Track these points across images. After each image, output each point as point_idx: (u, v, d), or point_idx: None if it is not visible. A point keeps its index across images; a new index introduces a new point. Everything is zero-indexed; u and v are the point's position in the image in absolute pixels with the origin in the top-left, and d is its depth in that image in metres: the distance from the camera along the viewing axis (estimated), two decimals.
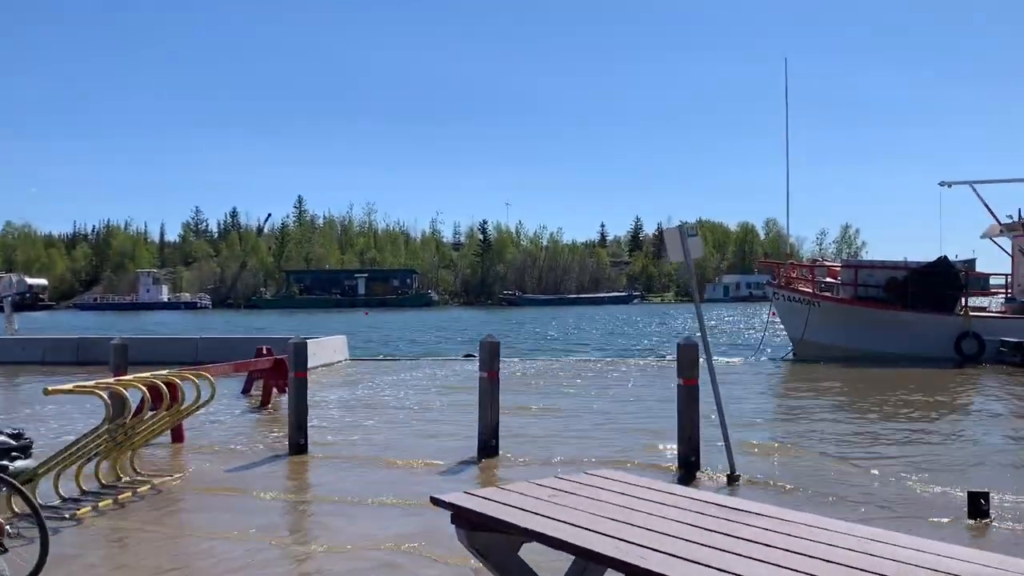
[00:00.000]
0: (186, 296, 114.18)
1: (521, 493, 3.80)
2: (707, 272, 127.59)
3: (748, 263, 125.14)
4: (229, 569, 5.96)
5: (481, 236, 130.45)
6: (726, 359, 23.31)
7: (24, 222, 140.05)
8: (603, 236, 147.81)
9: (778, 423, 12.97)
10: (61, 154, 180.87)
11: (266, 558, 6.22)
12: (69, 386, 7.72)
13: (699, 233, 8.69)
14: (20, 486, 5.55)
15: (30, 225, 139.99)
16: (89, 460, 8.22)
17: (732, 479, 8.50)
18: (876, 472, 9.02)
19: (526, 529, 3.22)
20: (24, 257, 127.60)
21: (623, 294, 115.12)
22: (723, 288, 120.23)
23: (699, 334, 9.02)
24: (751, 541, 3.04)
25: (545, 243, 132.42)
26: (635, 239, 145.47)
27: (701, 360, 8.85)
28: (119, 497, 8.02)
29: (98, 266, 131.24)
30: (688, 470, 8.82)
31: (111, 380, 8.22)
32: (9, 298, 29.86)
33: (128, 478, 8.75)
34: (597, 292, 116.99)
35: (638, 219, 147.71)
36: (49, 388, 7.40)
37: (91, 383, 7.97)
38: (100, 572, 5.97)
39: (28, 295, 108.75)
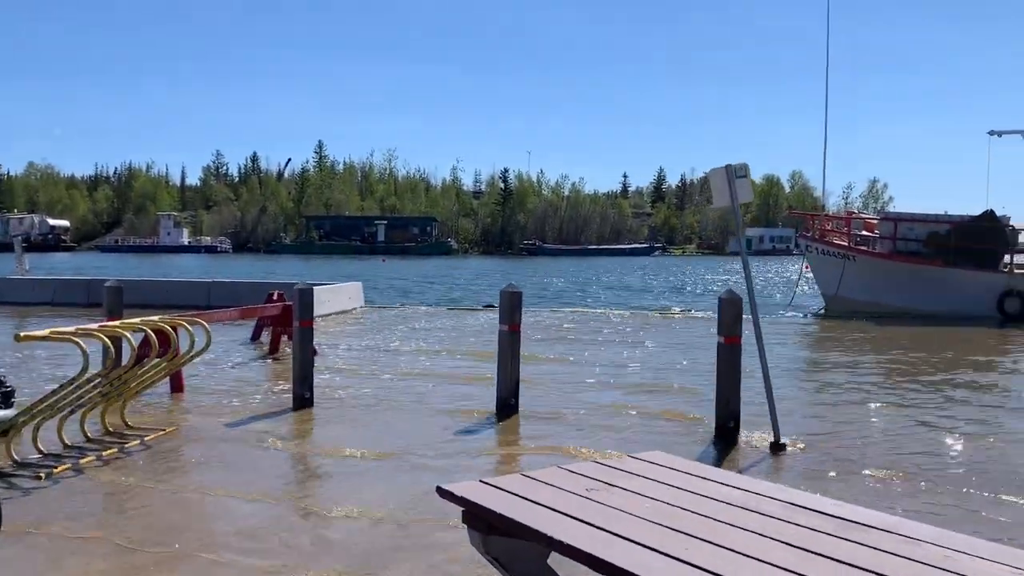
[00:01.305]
0: (207, 240, 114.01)
1: (552, 485, 2.98)
2: (730, 223, 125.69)
3: (772, 216, 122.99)
4: (225, 534, 5.25)
5: (502, 185, 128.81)
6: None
7: (47, 163, 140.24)
8: (625, 187, 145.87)
9: (812, 383, 12.08)
10: (84, 96, 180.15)
11: (267, 520, 5.51)
12: (45, 331, 6.97)
13: (748, 175, 7.69)
14: None
15: (52, 166, 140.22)
16: (75, 411, 7.53)
17: (777, 447, 7.68)
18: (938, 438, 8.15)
19: (563, 544, 2.41)
20: (47, 198, 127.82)
21: (644, 246, 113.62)
22: (746, 241, 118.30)
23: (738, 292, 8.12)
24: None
25: (566, 193, 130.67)
26: (657, 190, 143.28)
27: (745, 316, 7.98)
28: (104, 454, 7.34)
29: (120, 208, 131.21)
30: (726, 437, 8.01)
31: (92, 326, 7.46)
32: (20, 238, 29.24)
33: (115, 432, 8.07)
34: (618, 243, 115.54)
35: (661, 170, 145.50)
36: (21, 334, 6.65)
37: (71, 328, 7.22)
38: (65, 541, 5.26)
39: (51, 236, 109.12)
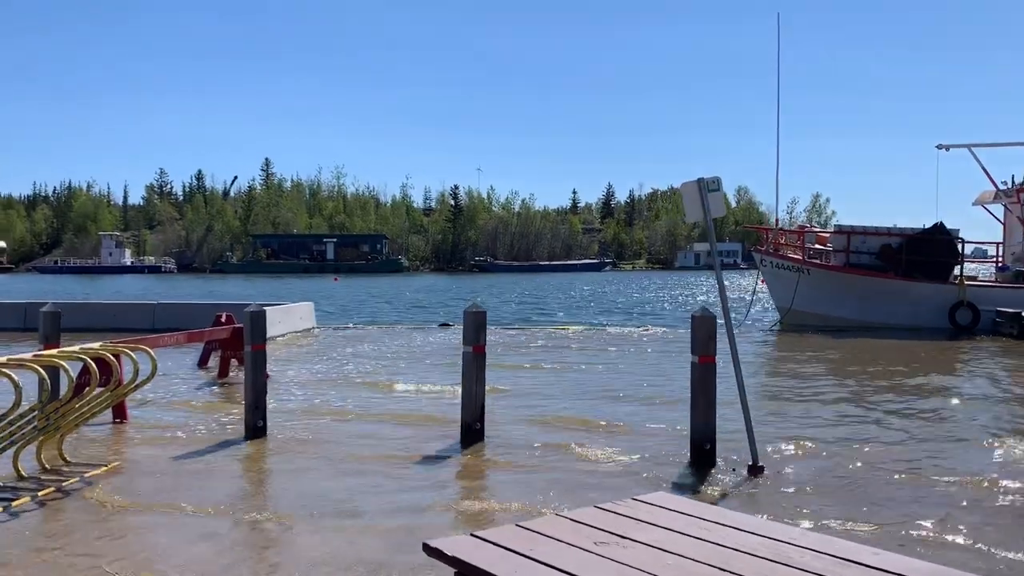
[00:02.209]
0: (150, 260, 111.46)
1: (555, 538, 2.63)
2: (678, 240, 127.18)
3: (720, 230, 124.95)
4: None
5: (452, 201, 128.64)
6: None
7: None
8: (575, 203, 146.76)
9: (778, 402, 11.93)
10: (20, 115, 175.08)
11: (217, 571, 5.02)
12: None
13: (720, 188, 7.47)
14: None
15: None
16: (7, 448, 6.93)
17: (755, 470, 7.42)
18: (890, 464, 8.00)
19: None
20: None
21: (595, 261, 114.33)
22: (694, 256, 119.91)
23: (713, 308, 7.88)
24: None
25: (517, 209, 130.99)
26: (607, 206, 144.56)
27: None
28: (40, 494, 6.75)
29: (59, 228, 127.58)
30: (702, 460, 7.73)
31: (26, 356, 6.89)
32: None
33: (53, 469, 7.48)
34: (569, 259, 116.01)
35: (610, 186, 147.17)
36: None
37: (2, 359, 6.64)
38: None
39: None
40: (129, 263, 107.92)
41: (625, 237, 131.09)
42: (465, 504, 6.72)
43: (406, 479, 7.39)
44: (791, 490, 7.00)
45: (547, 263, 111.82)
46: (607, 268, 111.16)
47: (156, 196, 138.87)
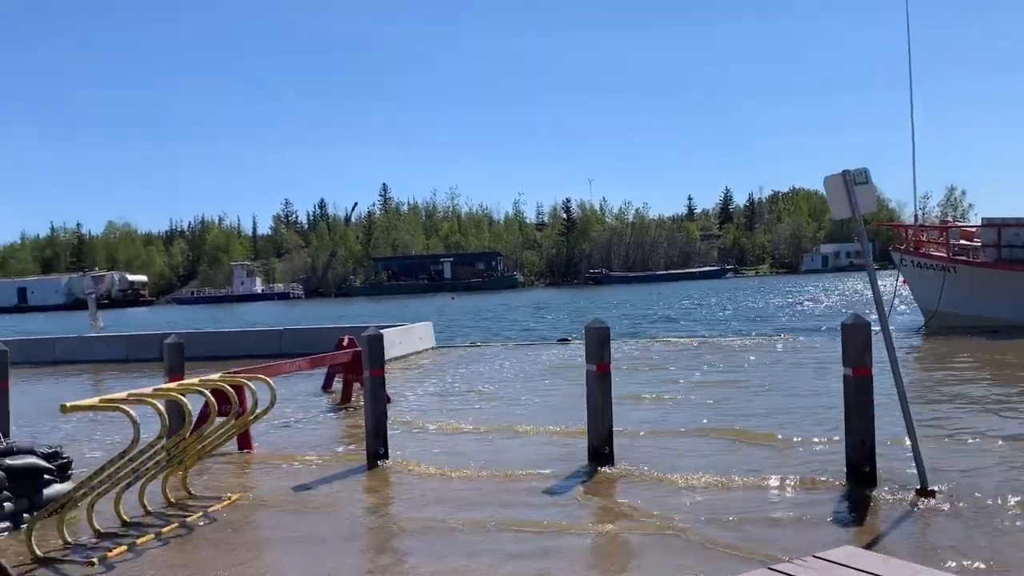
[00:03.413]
0: (279, 287, 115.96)
1: None
2: (803, 242, 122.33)
3: (846, 230, 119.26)
4: None
5: (564, 215, 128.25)
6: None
7: (124, 222, 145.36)
8: (691, 209, 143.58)
9: (937, 413, 10.76)
10: (156, 156, 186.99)
11: None
12: (93, 400, 6.35)
13: (869, 180, 6.68)
14: None
15: (130, 224, 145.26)
16: (132, 483, 6.88)
17: (924, 493, 6.54)
18: None
19: None
20: (125, 255, 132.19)
21: (715, 268, 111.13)
22: (821, 258, 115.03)
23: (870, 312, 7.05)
24: None
25: (631, 219, 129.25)
26: (725, 210, 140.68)
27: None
28: (164, 531, 6.65)
29: (194, 261, 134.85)
30: (861, 483, 6.90)
31: (146, 391, 6.83)
32: (93, 295, 29.65)
33: (178, 503, 7.42)
34: (687, 267, 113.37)
35: (727, 190, 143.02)
36: (68, 405, 6.04)
37: (123, 395, 6.59)
38: None
39: (130, 291, 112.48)
40: (260, 291, 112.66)
41: (746, 242, 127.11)
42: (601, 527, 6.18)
43: (534, 509, 6.90)
44: (970, 521, 6.09)
45: (664, 272, 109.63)
46: (729, 275, 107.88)
47: (283, 226, 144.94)
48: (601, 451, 8.24)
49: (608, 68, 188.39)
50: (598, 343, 8.28)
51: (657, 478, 7.68)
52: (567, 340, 23.52)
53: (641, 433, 9.74)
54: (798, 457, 8.32)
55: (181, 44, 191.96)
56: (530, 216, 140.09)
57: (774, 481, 7.37)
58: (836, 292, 50.02)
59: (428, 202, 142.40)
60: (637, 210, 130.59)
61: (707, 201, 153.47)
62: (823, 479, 7.32)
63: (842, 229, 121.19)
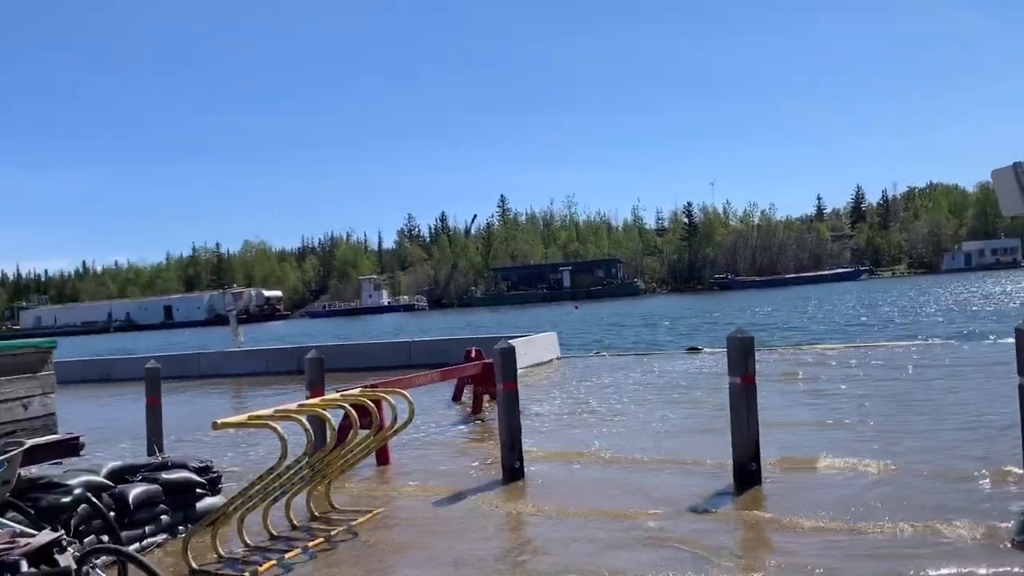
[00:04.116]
0: (404, 299, 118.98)
1: None
2: (943, 240, 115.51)
3: (992, 227, 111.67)
4: None
5: (686, 219, 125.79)
6: (1002, 339, 19.15)
7: (259, 240, 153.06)
8: (820, 209, 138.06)
9: None
10: (288, 178, 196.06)
11: None
12: (242, 417, 6.52)
13: None
14: (132, 552, 4.21)
15: (265, 242, 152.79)
16: (278, 498, 7.02)
17: None
18: None
19: None
20: (261, 272, 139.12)
21: (849, 270, 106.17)
22: (964, 257, 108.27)
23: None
24: None
25: (756, 221, 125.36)
26: (856, 209, 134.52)
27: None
28: (310, 545, 6.75)
29: (325, 276, 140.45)
30: None
31: (291, 407, 6.96)
32: (234, 312, 31.16)
33: (322, 517, 7.53)
34: (819, 270, 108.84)
35: (859, 188, 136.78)
36: (219, 422, 6.21)
37: (269, 411, 6.74)
38: None
39: (266, 306, 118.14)
40: (386, 303, 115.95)
41: (881, 241, 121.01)
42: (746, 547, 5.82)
43: (674, 533, 6.60)
44: None
45: (794, 276, 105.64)
46: (863, 276, 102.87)
47: (406, 240, 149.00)
48: (748, 468, 7.83)
49: (726, 68, 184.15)
50: (742, 353, 7.88)
51: (802, 498, 7.21)
52: (697, 349, 22.87)
53: (773, 461, 9.23)
54: (968, 474, 7.65)
55: (307, 70, 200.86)
56: (650, 222, 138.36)
57: (942, 516, 6.75)
58: (983, 293, 46.79)
59: (546, 211, 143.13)
60: (763, 212, 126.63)
61: (837, 200, 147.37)
62: (998, 505, 6.67)
63: (986, 225, 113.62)
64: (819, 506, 6.92)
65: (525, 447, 9.10)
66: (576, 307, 68.65)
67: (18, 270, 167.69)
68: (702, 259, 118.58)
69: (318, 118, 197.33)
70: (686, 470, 8.65)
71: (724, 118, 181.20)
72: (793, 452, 8.99)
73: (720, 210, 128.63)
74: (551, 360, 22.16)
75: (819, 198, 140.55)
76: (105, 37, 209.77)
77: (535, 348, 21.61)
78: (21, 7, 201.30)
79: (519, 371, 16.29)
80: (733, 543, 6.27)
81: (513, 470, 8.71)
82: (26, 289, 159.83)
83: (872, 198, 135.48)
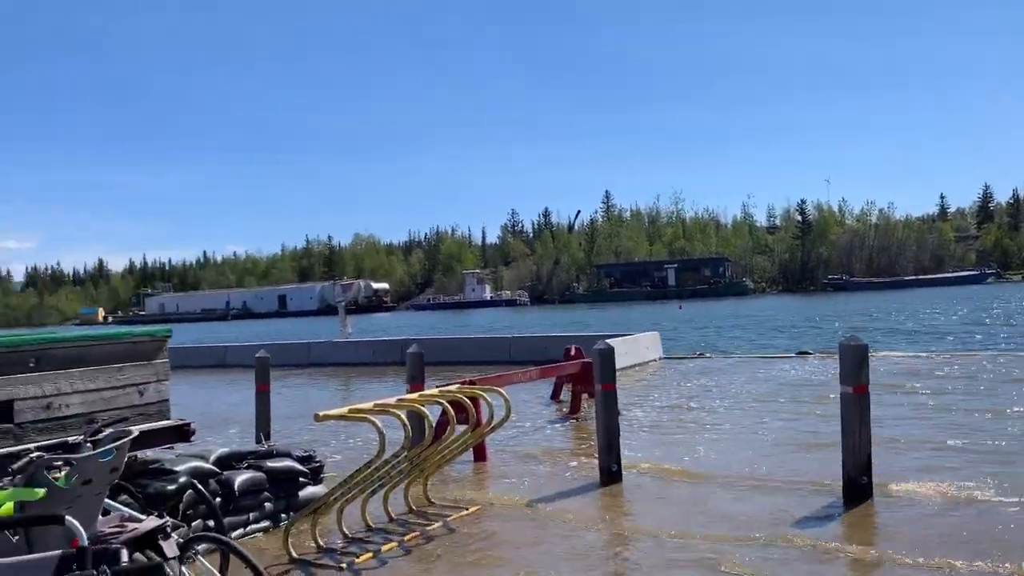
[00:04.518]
0: (506, 294, 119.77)
1: None
2: None
3: None
4: None
5: (799, 217, 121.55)
6: None
7: (369, 234, 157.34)
8: (943, 208, 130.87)
9: None
10: (401, 174, 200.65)
11: None
12: (343, 410, 6.63)
13: None
14: (234, 543, 4.30)
15: (374, 236, 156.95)
16: (376, 491, 7.12)
17: None
18: None
19: None
20: (370, 265, 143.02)
21: (974, 272, 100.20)
22: None
23: None
24: None
25: (874, 220, 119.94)
26: (984, 209, 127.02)
27: None
28: (406, 539, 6.81)
29: (430, 269, 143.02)
30: None
31: (390, 401, 7.04)
32: (343, 303, 32.02)
33: (418, 511, 7.59)
34: (940, 272, 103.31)
35: (986, 187, 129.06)
36: (320, 414, 6.34)
37: (368, 405, 6.83)
38: None
39: (374, 298, 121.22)
40: (489, 297, 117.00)
41: (1010, 243, 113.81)
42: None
43: (781, 548, 6.31)
44: None
45: (913, 278, 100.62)
46: (990, 279, 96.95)
47: (509, 235, 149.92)
48: (858, 481, 7.44)
49: (841, 61, 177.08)
50: (855, 362, 7.49)
51: (916, 512, 6.78)
52: (807, 353, 22.03)
53: (881, 483, 8.73)
54: None
55: (424, 68, 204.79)
56: (761, 220, 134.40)
57: None
58: None
59: (651, 208, 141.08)
60: (881, 210, 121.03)
61: (962, 199, 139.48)
62: None
63: None
64: (932, 540, 6.46)
65: (626, 443, 8.92)
66: (680, 307, 67.44)
67: (145, 259, 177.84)
68: (815, 258, 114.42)
69: (427, 115, 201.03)
70: (791, 489, 8.19)
71: (839, 113, 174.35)
72: (902, 471, 8.49)
73: (836, 208, 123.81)
74: (653, 360, 21.80)
75: (942, 197, 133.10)
76: (225, 38, 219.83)
77: (637, 347, 21.31)
78: (142, 14, 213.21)
79: (620, 371, 16.24)
80: (838, 553, 5.95)
81: (610, 473, 8.56)
82: (152, 277, 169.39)
83: (1001, 197, 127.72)
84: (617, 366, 17.26)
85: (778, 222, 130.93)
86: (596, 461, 8.82)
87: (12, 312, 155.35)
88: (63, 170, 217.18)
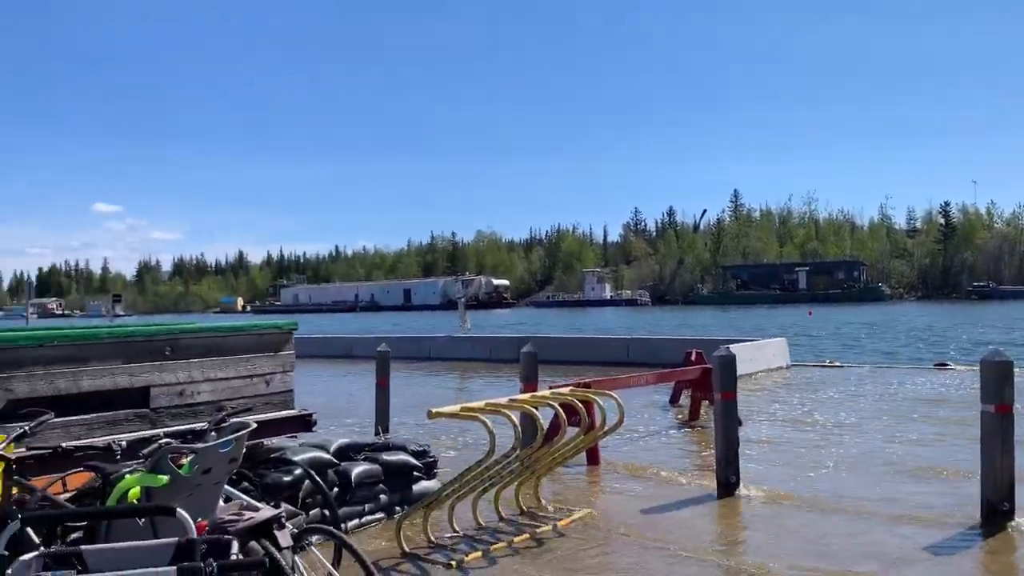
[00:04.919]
0: (627, 293, 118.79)
1: None
2: None
3: None
4: None
5: (942, 220, 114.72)
6: None
7: (491, 230, 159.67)
8: None
9: None
10: (514, 169, 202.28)
11: None
12: (455, 408, 6.69)
13: None
14: (345, 537, 4.38)
15: (495, 233, 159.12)
16: (487, 489, 7.17)
17: None
18: None
19: None
20: (492, 261, 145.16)
21: None
22: None
23: None
24: None
25: None
26: None
27: None
28: (515, 540, 6.80)
29: (550, 267, 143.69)
30: None
31: (502, 401, 7.06)
32: (463, 299, 32.54)
33: (529, 512, 7.59)
34: None
35: None
36: (433, 411, 6.42)
37: (480, 404, 6.88)
38: None
39: (494, 294, 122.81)
40: (608, 297, 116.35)
41: None
42: None
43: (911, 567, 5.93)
44: None
45: None
46: None
47: (631, 234, 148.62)
48: (999, 507, 6.91)
49: (992, 57, 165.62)
50: (998, 379, 6.96)
51: None
52: (945, 365, 20.73)
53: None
54: None
55: (554, 67, 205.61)
56: (899, 222, 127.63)
57: None
58: None
59: (782, 208, 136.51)
60: None
61: None
62: None
63: None
64: None
65: (741, 465, 8.61)
66: (810, 313, 64.82)
67: (281, 252, 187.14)
68: (959, 264, 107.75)
69: (552, 115, 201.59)
70: (920, 497, 7.73)
71: (985, 112, 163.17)
72: None
73: (983, 211, 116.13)
74: (780, 367, 21.03)
75: None
76: (367, 41, 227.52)
77: (763, 354, 20.62)
78: (270, 14, 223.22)
79: (742, 377, 15.76)
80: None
81: (728, 484, 8.29)
82: (287, 269, 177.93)
83: None
84: (742, 372, 16.81)
85: (919, 225, 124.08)
86: (713, 472, 8.57)
87: (160, 299, 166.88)
88: (207, 168, 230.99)
